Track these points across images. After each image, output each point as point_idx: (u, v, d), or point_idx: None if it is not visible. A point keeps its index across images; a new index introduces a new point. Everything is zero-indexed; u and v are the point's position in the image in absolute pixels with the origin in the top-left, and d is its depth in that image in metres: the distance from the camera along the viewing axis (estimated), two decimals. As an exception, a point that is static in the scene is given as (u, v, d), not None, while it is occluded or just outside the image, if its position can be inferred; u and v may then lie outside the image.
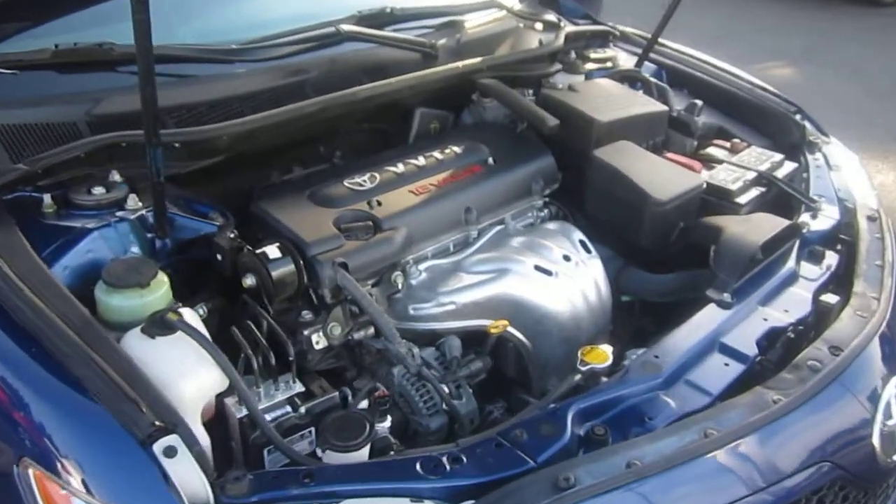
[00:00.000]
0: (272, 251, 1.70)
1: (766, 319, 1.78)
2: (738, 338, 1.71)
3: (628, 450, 1.35)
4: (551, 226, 2.10)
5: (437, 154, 2.17)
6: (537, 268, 1.90)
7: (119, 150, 1.85)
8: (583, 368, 1.58)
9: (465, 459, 1.33)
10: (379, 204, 1.95)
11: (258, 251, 1.70)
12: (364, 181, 2.02)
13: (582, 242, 2.04)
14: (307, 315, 1.71)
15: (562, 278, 1.91)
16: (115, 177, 1.81)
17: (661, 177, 2.13)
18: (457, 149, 2.22)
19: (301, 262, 1.73)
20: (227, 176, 2.21)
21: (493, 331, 1.79)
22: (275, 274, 1.68)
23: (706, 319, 1.76)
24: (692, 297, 1.97)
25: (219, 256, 1.74)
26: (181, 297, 1.71)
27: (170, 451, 1.19)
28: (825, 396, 1.50)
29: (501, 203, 2.14)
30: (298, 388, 1.53)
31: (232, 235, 1.75)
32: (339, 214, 1.88)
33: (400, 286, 1.86)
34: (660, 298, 2.06)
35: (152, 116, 1.48)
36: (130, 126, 1.91)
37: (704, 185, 2.16)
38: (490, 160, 2.19)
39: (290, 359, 1.51)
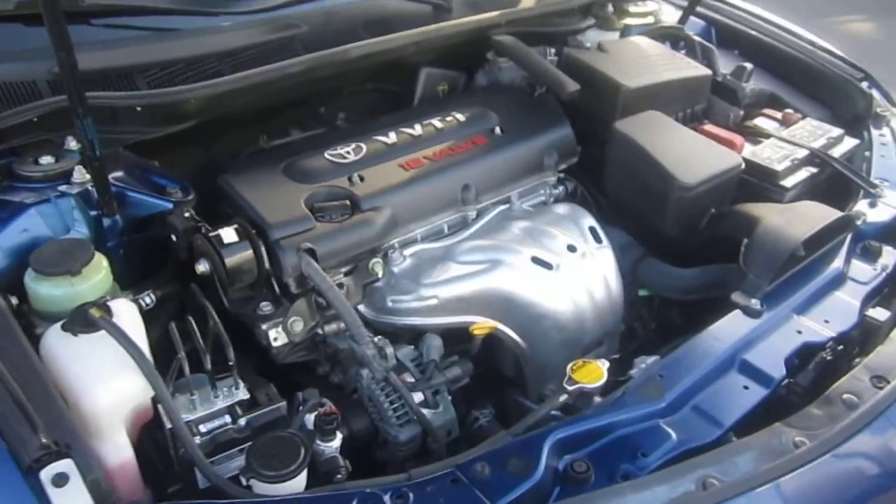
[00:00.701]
0: (227, 234, 1.51)
1: (800, 332, 1.51)
2: (763, 354, 1.45)
3: (605, 500, 1.12)
4: (560, 209, 1.84)
5: (435, 122, 1.93)
6: (535, 260, 1.66)
7: (80, 112, 1.67)
8: (570, 388, 1.35)
9: (411, 497, 1.13)
10: (361, 179, 1.73)
11: (212, 234, 1.51)
12: (348, 152, 1.79)
13: (592, 230, 1.78)
14: (266, 307, 1.52)
15: (563, 272, 1.67)
16: (71, 144, 1.63)
17: (692, 155, 1.84)
18: (460, 116, 1.97)
19: (261, 246, 1.53)
20: (210, 141, 2.03)
21: (476, 332, 1.57)
22: (228, 260, 1.49)
23: (727, 330, 1.50)
24: (719, 295, 1.71)
25: (173, 237, 1.56)
26: (133, 282, 1.55)
27: (59, 479, 1.03)
28: (862, 441, 1.24)
29: (507, 179, 1.90)
30: (241, 394, 1.35)
31: (187, 214, 1.56)
32: (314, 191, 1.67)
33: (380, 274, 1.66)
34: (681, 296, 1.80)
35: (73, 83, 1.29)
36: (98, 86, 1.74)
37: (742, 166, 1.86)
38: (497, 129, 1.94)
39: (230, 362, 1.32)
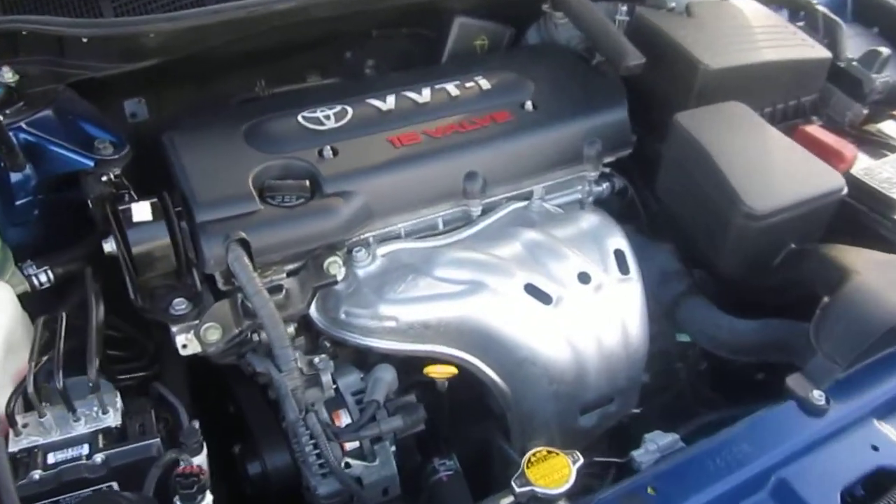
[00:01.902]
0: (140, 210, 1.21)
1: (876, 448, 1.07)
2: (815, 476, 1.03)
3: None
4: (585, 220, 1.43)
5: (451, 87, 1.55)
6: (529, 289, 1.28)
7: (22, 39, 1.41)
8: (519, 488, 0.99)
9: None
10: (334, 153, 1.38)
11: (122, 207, 1.22)
12: (328, 116, 1.45)
13: (619, 255, 1.36)
14: (180, 306, 1.22)
15: (565, 309, 1.28)
16: (6, 75, 1.37)
17: (774, 169, 1.38)
18: (485, 83, 1.57)
19: (182, 229, 1.23)
20: (202, 83, 1.74)
21: (433, 375, 1.22)
22: (135, 242, 1.20)
23: (768, 427, 1.09)
24: (780, 362, 1.29)
25: (90, 203, 1.29)
26: (42, 250, 1.29)
27: None
28: None
29: (529, 170, 1.50)
30: (110, 420, 1.07)
31: (107, 177, 1.27)
32: (269, 165, 1.34)
33: (337, 276, 1.32)
34: (730, 354, 1.37)
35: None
36: (60, 9, 1.47)
37: (844, 191, 1.38)
38: (528, 104, 1.53)
39: (90, 382, 1.04)
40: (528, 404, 1.31)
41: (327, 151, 1.37)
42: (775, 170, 1.36)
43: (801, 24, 1.85)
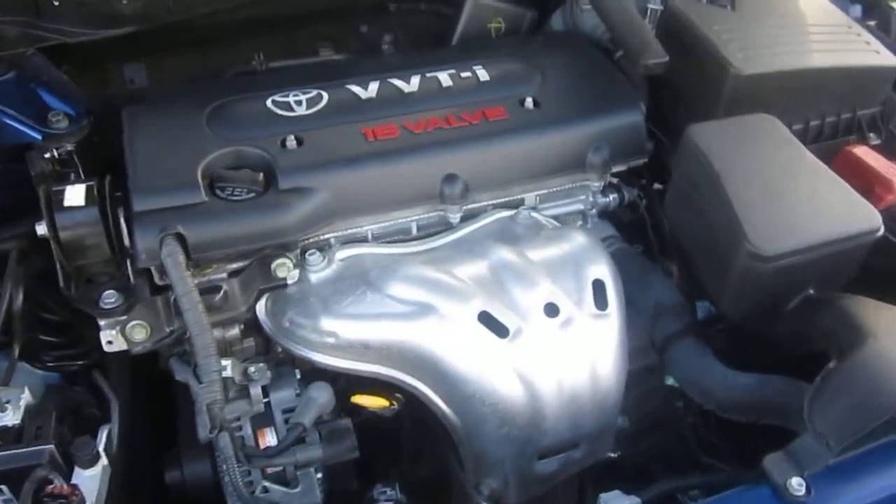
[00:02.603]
0: (73, 194, 1.13)
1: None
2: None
3: None
4: (569, 241, 1.26)
5: (444, 76, 1.40)
6: (484, 317, 1.13)
7: (-4, -3, 1.34)
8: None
9: None
10: (299, 143, 1.26)
11: (55, 188, 1.14)
12: (299, 101, 1.33)
13: (598, 286, 1.19)
14: (110, 299, 1.14)
15: (522, 344, 1.12)
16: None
17: (795, 201, 1.17)
18: (484, 74, 1.41)
19: (114, 217, 1.15)
20: (197, 50, 1.65)
21: (360, 404, 1.10)
22: (62, 227, 1.12)
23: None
24: (773, 424, 1.11)
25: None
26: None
27: None
28: None
29: (522, 175, 1.34)
30: (8, 419, 1.01)
31: (49, 155, 1.20)
32: (223, 152, 1.23)
33: (287, 279, 1.21)
34: (720, 411, 1.18)
35: None
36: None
37: (880, 232, 1.16)
38: (529, 101, 1.37)
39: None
40: (479, 443, 1.18)
41: (291, 141, 1.26)
42: (797, 201, 1.16)
43: (873, 22, 1.60)
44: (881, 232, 1.17)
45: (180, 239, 1.13)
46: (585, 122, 1.37)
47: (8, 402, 1.03)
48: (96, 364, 1.27)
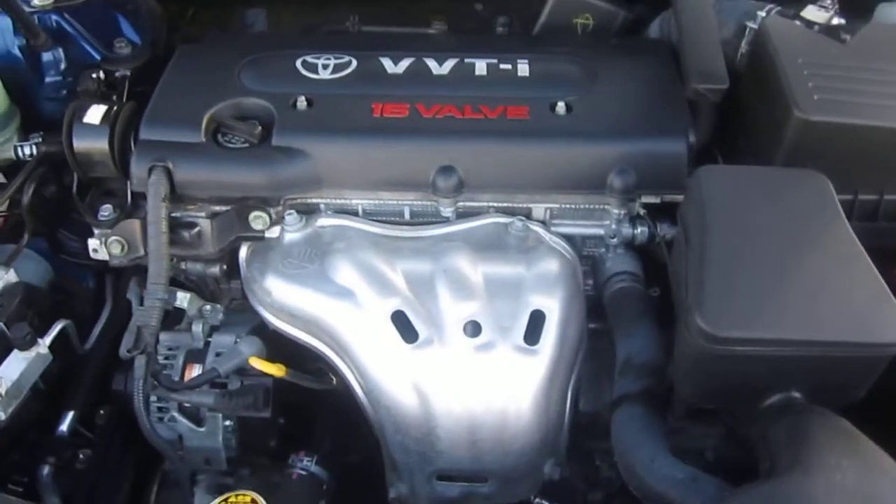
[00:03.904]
0: (93, 112, 1.26)
1: None
2: None
3: None
4: (532, 264, 1.14)
5: (480, 64, 1.33)
6: (398, 317, 1.07)
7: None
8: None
9: None
10: (308, 105, 1.28)
11: (82, 104, 1.27)
12: (328, 65, 1.34)
13: (535, 318, 1.07)
14: (105, 212, 1.25)
15: (429, 355, 1.05)
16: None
17: (791, 285, 0.95)
18: (525, 69, 1.33)
19: (121, 141, 1.25)
20: (315, 4, 1.71)
21: (254, 366, 1.10)
22: (76, 141, 1.25)
23: None
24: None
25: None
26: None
27: None
28: None
29: (529, 183, 1.25)
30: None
31: (95, 75, 1.33)
32: (238, 102, 1.29)
33: (264, 232, 1.25)
34: (639, 494, 1.02)
35: None
36: None
37: (893, 353, 0.91)
38: (561, 105, 1.26)
39: None
40: (385, 443, 1.14)
41: (301, 102, 1.27)
42: (798, 284, 0.94)
43: None
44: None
45: (167, 172, 1.21)
46: (614, 140, 1.22)
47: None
48: (112, 269, 1.41)
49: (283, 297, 1.15)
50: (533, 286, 1.10)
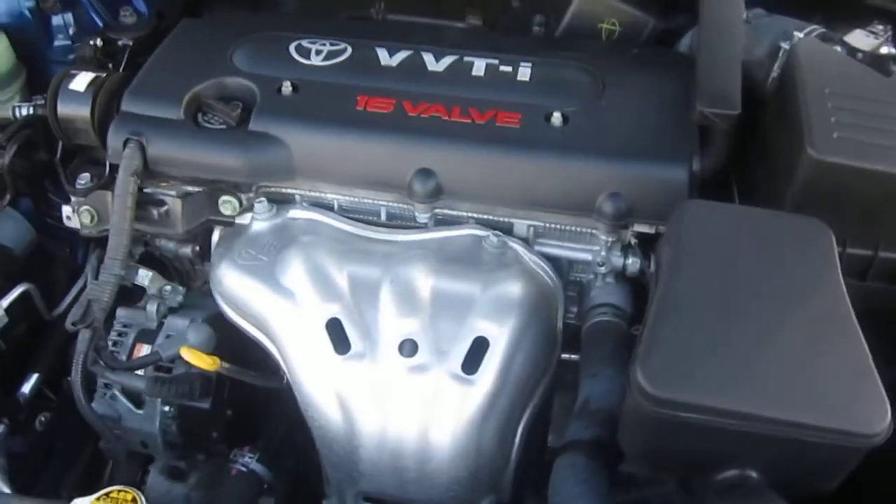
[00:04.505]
0: (80, 79, 1.24)
1: None
2: None
3: None
4: (487, 284, 1.05)
5: (480, 63, 1.24)
6: (332, 325, 1.00)
7: None
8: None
9: None
10: (293, 91, 1.22)
11: (71, 71, 1.26)
12: (321, 51, 1.28)
13: (477, 345, 0.98)
14: (83, 180, 1.24)
15: (358, 369, 0.98)
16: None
17: (756, 351, 0.83)
18: (527, 73, 1.23)
19: (109, 113, 1.23)
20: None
21: (189, 359, 1.06)
22: (61, 108, 1.24)
23: None
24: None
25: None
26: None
27: None
28: None
29: (512, 197, 1.15)
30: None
31: (93, 42, 1.32)
32: (222, 81, 1.24)
33: (234, 216, 1.21)
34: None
35: None
36: None
37: (874, 441, 0.77)
38: (557, 115, 1.16)
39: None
40: (319, 453, 1.08)
41: (286, 87, 1.22)
42: (765, 351, 0.81)
43: None
44: (879, 440, 0.78)
45: (141, 147, 1.18)
46: (607, 160, 1.11)
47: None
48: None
49: (233, 287, 1.11)
50: (482, 310, 1.01)
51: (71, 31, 1.41)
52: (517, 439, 1.07)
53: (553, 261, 1.18)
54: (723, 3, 1.15)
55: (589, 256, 1.18)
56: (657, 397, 0.79)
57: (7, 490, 1.15)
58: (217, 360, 1.05)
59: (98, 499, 0.85)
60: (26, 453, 1.30)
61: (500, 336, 0.99)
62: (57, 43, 1.42)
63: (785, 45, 1.15)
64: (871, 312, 0.86)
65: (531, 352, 1.02)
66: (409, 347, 0.99)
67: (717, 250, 0.90)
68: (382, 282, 1.05)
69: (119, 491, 0.86)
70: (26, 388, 1.29)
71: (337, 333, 1.01)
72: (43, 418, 1.33)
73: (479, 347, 0.98)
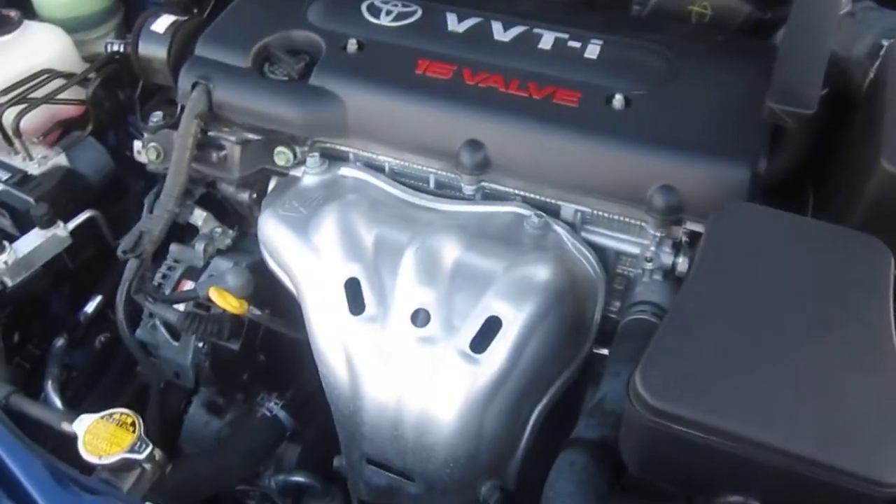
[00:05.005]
0: (160, 22, 1.29)
1: None
2: None
3: None
4: (513, 264, 1.01)
5: (548, 37, 1.19)
6: (350, 285, 1.00)
7: None
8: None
9: None
10: (358, 49, 1.22)
11: (151, 11, 1.31)
12: (391, 11, 1.26)
13: (489, 325, 0.95)
14: (155, 117, 1.29)
15: (369, 332, 0.97)
16: None
17: (776, 373, 0.75)
18: (595, 51, 1.17)
19: (183, 55, 1.27)
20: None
21: (216, 300, 1.08)
22: (141, 47, 1.29)
23: None
24: None
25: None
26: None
27: None
28: None
29: (560, 178, 1.11)
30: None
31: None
32: (291, 34, 1.25)
33: (287, 168, 1.24)
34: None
35: None
36: None
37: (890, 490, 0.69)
38: (619, 98, 1.09)
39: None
40: (332, 410, 1.09)
41: (352, 44, 1.22)
42: (790, 374, 0.74)
43: None
44: (890, 491, 0.69)
45: (207, 91, 1.22)
46: (665, 150, 1.04)
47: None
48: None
49: (270, 236, 1.13)
50: (501, 290, 0.97)
51: (160, -21, 1.47)
52: (528, 428, 1.04)
53: (600, 250, 1.13)
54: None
55: (637, 250, 1.12)
56: (652, 406, 0.74)
57: (55, 397, 1.24)
58: (244, 303, 1.08)
59: (102, 418, 0.89)
60: (82, 368, 1.39)
61: (515, 319, 0.95)
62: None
63: (886, 43, 1.03)
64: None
65: (550, 340, 0.98)
66: (422, 317, 0.97)
67: (753, 258, 0.82)
68: (407, 248, 1.03)
69: (122, 414, 0.90)
70: (89, 307, 1.38)
71: (354, 293, 1.01)
72: (103, 338, 1.42)
73: (491, 327, 0.96)
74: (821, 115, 1.04)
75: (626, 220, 1.11)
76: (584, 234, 1.13)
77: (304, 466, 1.31)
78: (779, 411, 0.73)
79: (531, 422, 1.04)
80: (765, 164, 1.01)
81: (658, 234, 1.07)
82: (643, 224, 1.09)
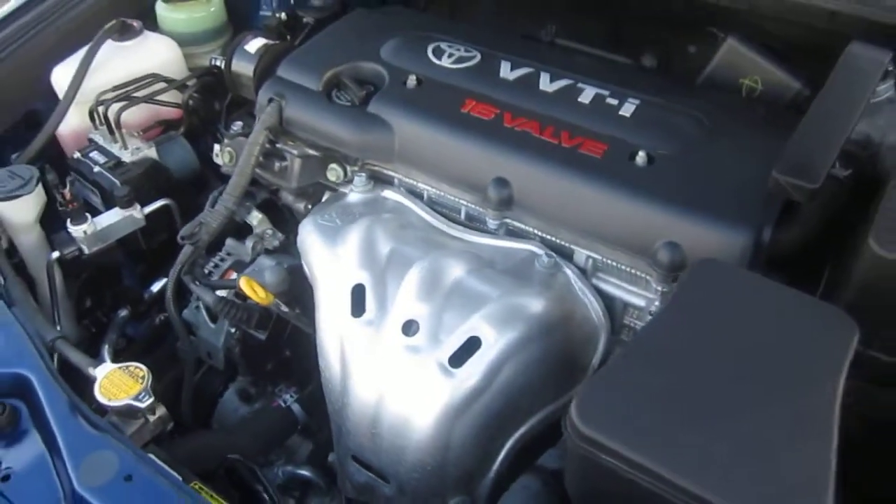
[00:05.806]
0: (253, 43, 1.46)
1: None
2: None
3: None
4: (506, 292, 1.06)
5: (589, 91, 1.26)
6: (356, 291, 1.08)
7: None
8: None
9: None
10: (418, 83, 1.33)
11: (248, 33, 1.48)
12: (452, 55, 1.37)
13: (471, 344, 1.00)
14: (236, 126, 1.45)
15: (365, 335, 1.05)
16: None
17: (710, 420, 0.77)
18: (630, 110, 1.22)
19: (267, 75, 1.43)
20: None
21: (245, 290, 1.20)
22: (234, 63, 1.46)
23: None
24: None
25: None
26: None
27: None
28: None
29: (575, 223, 1.16)
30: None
31: (279, 15, 1.53)
32: (360, 65, 1.39)
33: (335, 182, 1.36)
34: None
35: None
36: None
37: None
38: (642, 155, 1.15)
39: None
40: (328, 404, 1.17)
41: (412, 80, 1.33)
42: (724, 426, 0.75)
43: None
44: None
45: (279, 107, 1.36)
46: (673, 209, 1.08)
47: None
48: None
49: (304, 239, 1.24)
50: (489, 313, 1.03)
51: (274, 3, 1.66)
52: (503, 452, 1.07)
53: (608, 299, 1.17)
54: (851, 76, 1.05)
55: (643, 303, 1.15)
56: (580, 432, 0.78)
57: (108, 358, 1.39)
58: (270, 296, 1.19)
59: (119, 368, 1.02)
60: (138, 340, 1.55)
61: (496, 342, 1.01)
62: (261, 12, 1.68)
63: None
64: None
65: (529, 369, 1.02)
66: (413, 328, 1.05)
67: (717, 313, 0.85)
68: (415, 263, 1.11)
69: (135, 367, 1.02)
70: (155, 287, 1.54)
71: (358, 298, 1.09)
72: (161, 317, 1.57)
73: (471, 346, 1.01)
74: (839, 194, 1.05)
75: (634, 271, 1.14)
76: (594, 280, 1.17)
77: (315, 464, 1.39)
78: (707, 460, 0.75)
79: (506, 447, 1.07)
80: (769, 234, 1.02)
81: (662, 288, 1.10)
82: (649, 278, 1.12)
